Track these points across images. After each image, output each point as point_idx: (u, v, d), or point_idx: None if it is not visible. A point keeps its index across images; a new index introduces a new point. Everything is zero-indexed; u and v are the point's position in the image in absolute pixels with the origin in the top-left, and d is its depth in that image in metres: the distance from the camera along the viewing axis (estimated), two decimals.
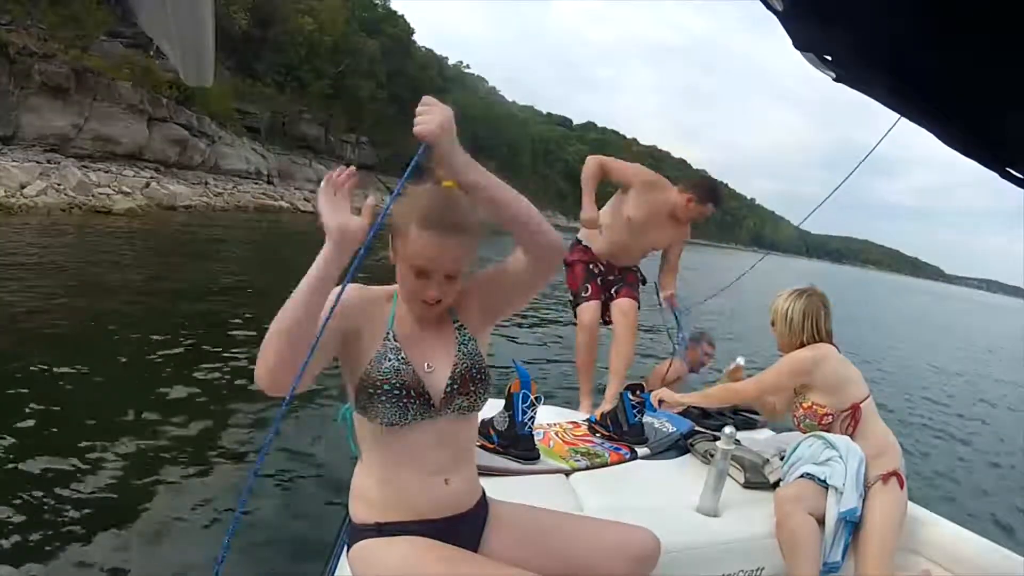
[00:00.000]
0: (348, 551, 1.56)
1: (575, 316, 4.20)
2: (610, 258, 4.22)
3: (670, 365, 4.05)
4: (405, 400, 1.47)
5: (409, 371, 1.50)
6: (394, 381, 1.47)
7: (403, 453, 1.51)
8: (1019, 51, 0.75)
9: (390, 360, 1.49)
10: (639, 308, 4.20)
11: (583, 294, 4.12)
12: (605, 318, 4.20)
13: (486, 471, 2.34)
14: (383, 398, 1.46)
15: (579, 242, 4.30)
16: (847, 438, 2.52)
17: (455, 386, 1.55)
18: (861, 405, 2.59)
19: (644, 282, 4.40)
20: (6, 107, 21.03)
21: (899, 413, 8.93)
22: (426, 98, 1.37)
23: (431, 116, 1.32)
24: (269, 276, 11.53)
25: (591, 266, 4.20)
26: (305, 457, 4.13)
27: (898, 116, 1.15)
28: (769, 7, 0.85)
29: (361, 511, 1.54)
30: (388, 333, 1.53)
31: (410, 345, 1.54)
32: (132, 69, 25.57)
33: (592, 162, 4.08)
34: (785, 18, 0.87)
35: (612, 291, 4.20)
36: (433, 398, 1.52)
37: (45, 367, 5.15)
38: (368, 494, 1.54)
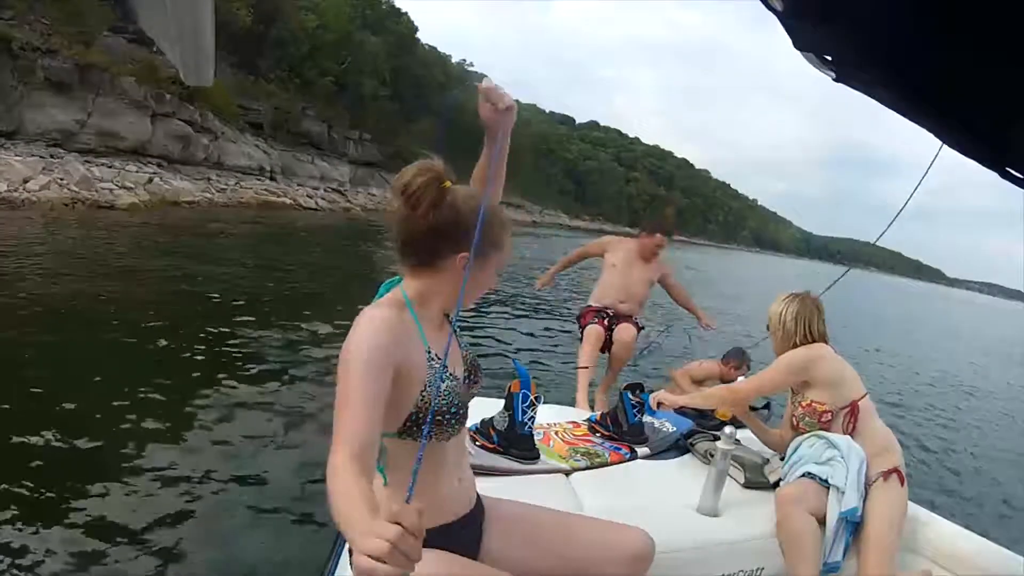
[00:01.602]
0: (352, 563, 1.51)
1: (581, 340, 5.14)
2: (615, 304, 5.17)
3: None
4: (465, 414, 1.48)
5: (458, 384, 1.48)
6: (457, 401, 1.45)
7: (435, 463, 1.48)
8: (1019, 51, 0.75)
9: (444, 381, 1.44)
10: (636, 335, 5.11)
11: (591, 323, 5.05)
12: (607, 351, 5.14)
13: (486, 471, 2.35)
14: (452, 421, 1.44)
15: (589, 306, 5.32)
16: (848, 438, 2.52)
17: (471, 378, 1.57)
18: (859, 402, 2.60)
19: (642, 328, 5.35)
20: (9, 102, 21.02)
21: (899, 414, 8.94)
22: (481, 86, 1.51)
23: (504, 92, 1.51)
24: (271, 273, 11.53)
25: (600, 312, 5.15)
26: (299, 461, 4.12)
27: (941, 144, 1.14)
28: (769, 7, 0.84)
29: None
30: (429, 352, 1.45)
31: (442, 353, 1.48)
32: (135, 65, 25.53)
33: (576, 251, 5.64)
34: (785, 18, 0.87)
35: (614, 326, 5.07)
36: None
37: (43, 361, 5.17)
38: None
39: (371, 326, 1.34)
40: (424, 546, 1.43)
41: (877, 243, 3.24)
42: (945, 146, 1.11)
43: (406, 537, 0.83)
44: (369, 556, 0.83)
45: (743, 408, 2.96)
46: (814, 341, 2.71)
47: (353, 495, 1.07)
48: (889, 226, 3.45)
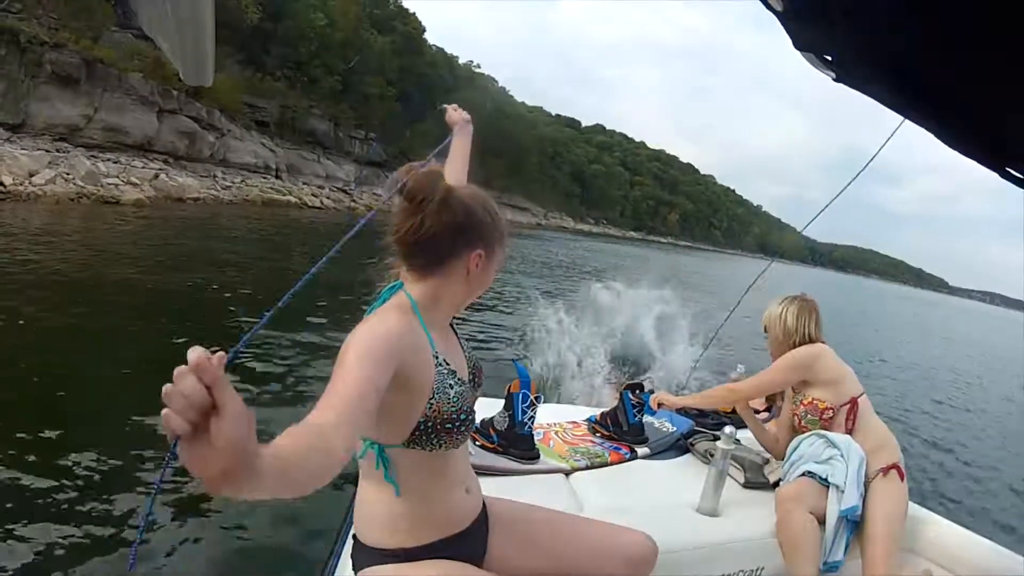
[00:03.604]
0: (356, 573, 1.48)
1: None
2: None
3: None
4: (473, 419, 1.44)
5: (467, 390, 1.44)
6: (464, 407, 1.40)
7: (443, 472, 1.45)
8: (1018, 51, 0.76)
9: (453, 388, 1.39)
10: None
11: None
12: None
13: (486, 471, 2.34)
14: (462, 428, 1.40)
15: None
16: (848, 437, 2.53)
17: (475, 381, 1.55)
18: (859, 399, 2.61)
19: None
20: (16, 95, 21.11)
21: (900, 416, 8.99)
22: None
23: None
24: (273, 270, 11.54)
25: None
26: None
27: (901, 120, 1.15)
28: (769, 7, 0.85)
29: (382, 536, 1.44)
30: (436, 356, 1.40)
31: (449, 358, 1.44)
32: (143, 60, 25.61)
33: None
34: (785, 18, 0.88)
35: None
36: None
37: (43, 362, 5.18)
38: (394, 521, 1.44)
39: (380, 323, 1.31)
40: (435, 556, 1.43)
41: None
42: (907, 122, 1.11)
43: (185, 375, 0.72)
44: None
45: (744, 406, 2.97)
46: (811, 343, 2.72)
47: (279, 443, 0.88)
48: (820, 213, 3.50)
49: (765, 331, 2.86)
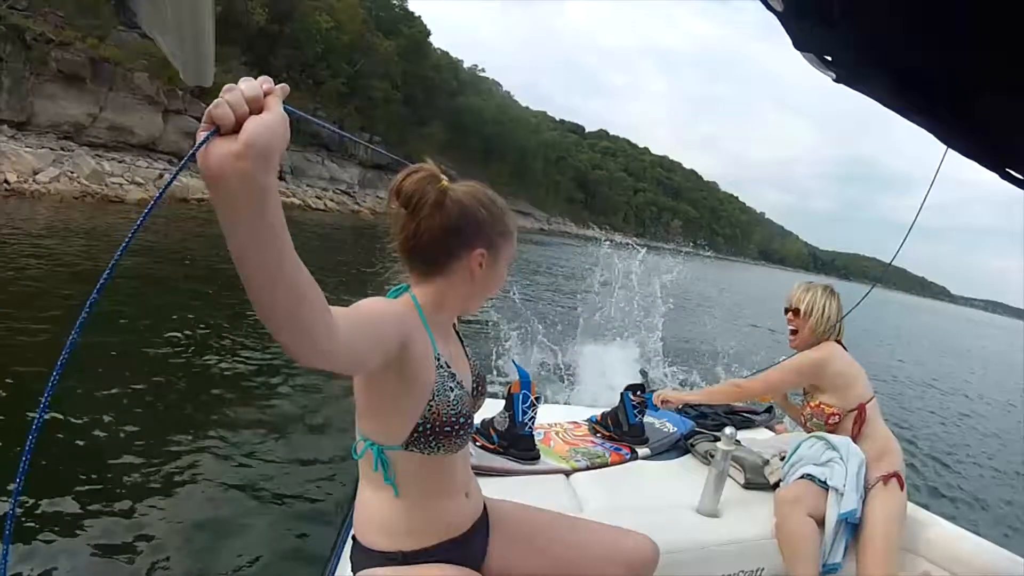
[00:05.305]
0: (354, 574, 1.47)
1: None
2: None
3: None
4: (472, 424, 1.42)
5: (466, 395, 1.43)
6: (464, 412, 1.38)
7: (442, 476, 1.45)
8: (1019, 51, 0.77)
9: (453, 390, 1.37)
10: None
11: None
12: None
13: (486, 471, 2.35)
14: (461, 432, 1.38)
15: None
16: (848, 439, 2.53)
17: (478, 388, 1.55)
18: (867, 405, 2.61)
19: None
20: (21, 92, 21.15)
21: (902, 417, 9.02)
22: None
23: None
24: None
25: None
26: (302, 460, 4.15)
27: (946, 148, 1.14)
28: (769, 7, 0.85)
29: (381, 538, 1.43)
30: (438, 358, 1.38)
31: (451, 362, 1.42)
32: (149, 60, 25.64)
33: None
34: (785, 18, 0.88)
35: None
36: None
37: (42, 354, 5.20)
38: (393, 524, 1.42)
39: (386, 300, 1.33)
40: (433, 560, 1.42)
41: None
42: (950, 152, 1.12)
43: (250, 80, 0.81)
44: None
45: (783, 395, 2.98)
46: (838, 339, 2.74)
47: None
48: (903, 243, 3.44)
49: (791, 312, 2.82)
